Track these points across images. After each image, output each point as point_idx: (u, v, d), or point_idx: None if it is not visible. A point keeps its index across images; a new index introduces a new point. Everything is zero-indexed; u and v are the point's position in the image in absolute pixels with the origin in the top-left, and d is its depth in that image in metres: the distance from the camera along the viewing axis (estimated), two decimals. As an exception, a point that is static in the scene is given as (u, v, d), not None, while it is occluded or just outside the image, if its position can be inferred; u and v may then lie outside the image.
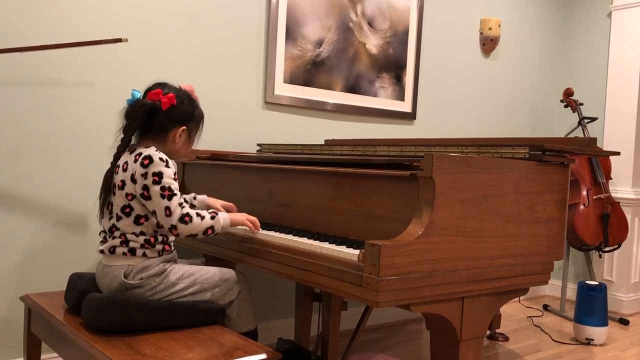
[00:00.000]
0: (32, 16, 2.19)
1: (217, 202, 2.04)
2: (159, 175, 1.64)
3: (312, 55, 2.96)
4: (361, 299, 1.39)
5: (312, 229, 1.82)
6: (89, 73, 2.34)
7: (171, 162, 1.71)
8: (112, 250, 1.69)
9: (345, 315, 2.67)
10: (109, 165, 1.77)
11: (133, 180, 1.66)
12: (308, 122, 3.01)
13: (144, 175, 1.64)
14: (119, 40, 2.13)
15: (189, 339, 1.58)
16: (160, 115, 1.73)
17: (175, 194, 1.66)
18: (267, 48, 2.82)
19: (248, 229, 1.82)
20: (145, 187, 1.64)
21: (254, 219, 1.84)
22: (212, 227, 1.71)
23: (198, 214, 1.69)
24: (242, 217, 1.82)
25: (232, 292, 1.81)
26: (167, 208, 1.64)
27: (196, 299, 1.74)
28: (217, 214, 1.74)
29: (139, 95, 1.76)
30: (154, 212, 1.66)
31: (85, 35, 2.30)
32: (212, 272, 1.79)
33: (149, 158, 1.65)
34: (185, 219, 1.66)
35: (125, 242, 1.68)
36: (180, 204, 1.67)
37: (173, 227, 1.65)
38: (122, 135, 1.75)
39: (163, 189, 1.64)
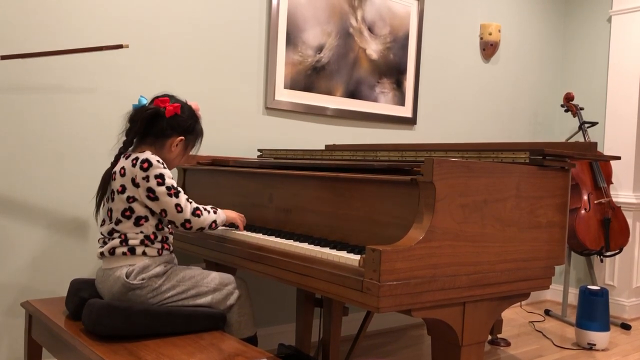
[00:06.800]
0: (33, 23, 2.20)
1: None
2: (161, 176, 1.70)
3: (312, 61, 2.97)
4: (362, 304, 1.38)
5: (312, 235, 1.82)
6: (90, 79, 2.34)
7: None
8: (112, 252, 1.71)
9: (346, 321, 2.67)
10: (102, 175, 1.80)
11: (135, 184, 1.70)
12: (309, 127, 3.01)
13: (146, 179, 1.69)
14: (119, 46, 2.13)
15: (190, 345, 1.58)
16: (163, 122, 1.79)
17: (180, 191, 1.74)
18: (268, 53, 2.82)
19: (234, 227, 1.97)
20: (150, 190, 1.69)
21: (243, 217, 1.99)
22: (215, 221, 1.82)
23: (204, 208, 1.80)
24: (235, 214, 1.95)
25: (232, 297, 1.82)
26: (178, 205, 1.72)
27: (196, 302, 1.75)
28: (217, 210, 1.85)
29: (145, 101, 1.82)
30: (162, 212, 1.72)
31: (86, 41, 2.31)
32: (212, 276, 1.82)
33: (148, 162, 1.70)
34: (196, 212, 1.76)
35: (124, 240, 1.71)
36: (187, 199, 1.76)
37: (187, 221, 1.74)
38: (124, 138, 1.80)
39: (168, 188, 1.71)
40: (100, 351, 1.50)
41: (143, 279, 1.68)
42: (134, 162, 1.71)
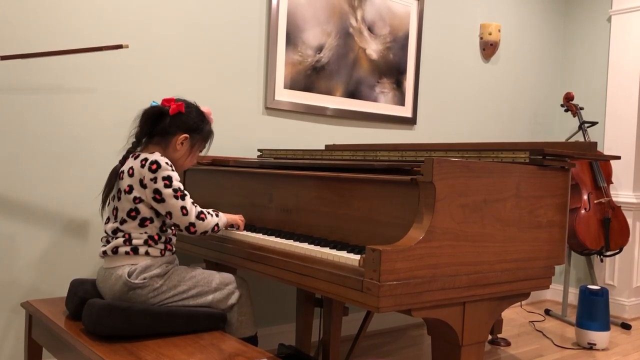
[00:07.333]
0: (33, 23, 2.20)
1: None
2: (169, 179, 1.71)
3: (312, 61, 2.97)
4: (362, 304, 1.38)
5: (313, 234, 1.82)
6: (90, 79, 2.34)
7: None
8: (115, 251, 1.71)
9: (346, 321, 2.67)
10: (110, 172, 1.80)
11: (142, 185, 1.71)
12: (308, 127, 3.01)
13: (154, 180, 1.70)
14: (119, 46, 2.13)
15: (190, 345, 1.58)
16: (166, 119, 1.80)
17: (186, 194, 1.74)
18: (268, 53, 2.82)
19: (234, 227, 1.98)
20: (157, 191, 1.70)
21: (242, 217, 2.00)
22: (217, 224, 1.83)
23: (208, 212, 1.80)
24: (234, 216, 1.97)
25: (233, 297, 1.82)
26: (184, 207, 1.72)
27: (197, 302, 1.76)
28: (218, 213, 1.85)
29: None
30: (167, 214, 1.72)
31: (86, 41, 2.31)
32: (213, 276, 1.82)
33: (157, 163, 1.71)
34: (201, 216, 1.77)
35: (128, 240, 1.71)
36: (193, 203, 1.76)
37: (191, 225, 1.74)
38: (133, 139, 1.82)
39: (175, 190, 1.71)
40: (100, 351, 1.50)
41: (144, 279, 1.69)
42: (143, 162, 1.72)
